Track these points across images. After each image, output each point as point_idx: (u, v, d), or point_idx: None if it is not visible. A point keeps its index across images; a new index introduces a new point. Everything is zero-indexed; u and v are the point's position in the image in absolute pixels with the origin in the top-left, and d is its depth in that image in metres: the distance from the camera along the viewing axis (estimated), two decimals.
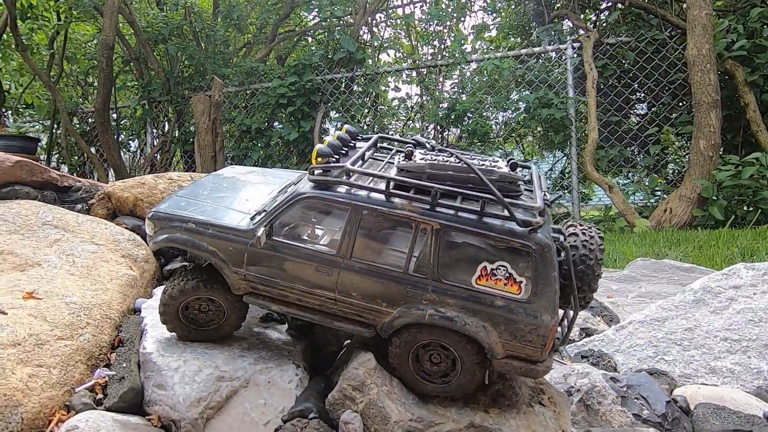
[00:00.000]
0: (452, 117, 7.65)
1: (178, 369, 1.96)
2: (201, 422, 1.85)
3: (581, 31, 7.45)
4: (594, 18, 8.43)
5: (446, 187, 1.76)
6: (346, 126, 2.36)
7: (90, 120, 10.02)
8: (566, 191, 7.60)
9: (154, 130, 9.82)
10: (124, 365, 2.04)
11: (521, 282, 1.70)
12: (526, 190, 1.97)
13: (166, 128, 9.66)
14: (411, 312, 1.78)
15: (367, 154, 2.14)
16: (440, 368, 1.86)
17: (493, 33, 9.23)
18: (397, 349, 1.87)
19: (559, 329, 1.82)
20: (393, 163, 2.00)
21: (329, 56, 8.21)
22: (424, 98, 8.67)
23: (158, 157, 9.38)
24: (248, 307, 2.11)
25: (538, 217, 1.71)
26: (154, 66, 8.99)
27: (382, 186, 1.83)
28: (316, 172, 1.91)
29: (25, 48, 8.35)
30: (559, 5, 8.02)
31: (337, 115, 8.67)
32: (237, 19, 8.92)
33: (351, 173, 1.87)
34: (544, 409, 1.81)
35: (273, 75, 8.37)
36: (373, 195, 1.84)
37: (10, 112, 10.26)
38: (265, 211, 1.98)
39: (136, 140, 10.28)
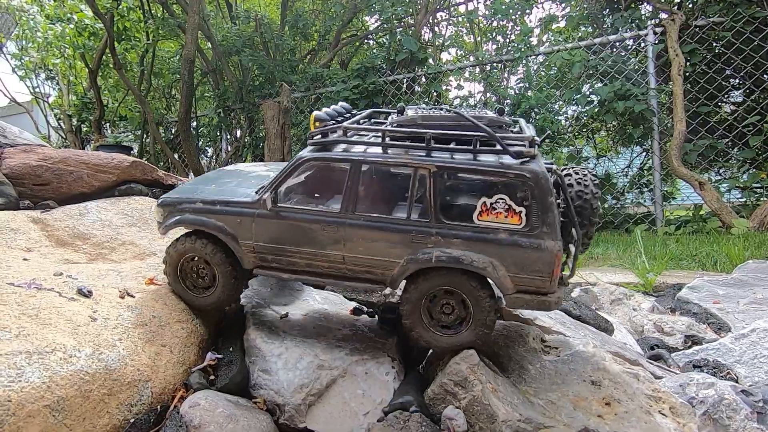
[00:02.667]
0: (517, 114, 7.37)
1: (281, 356, 2.05)
2: (304, 408, 1.92)
3: (663, 15, 6.83)
4: None
5: (439, 131, 1.84)
6: (341, 102, 2.45)
7: (173, 129, 10.98)
8: (646, 189, 7.00)
9: (228, 136, 10.52)
10: (231, 349, 2.17)
11: (521, 212, 1.75)
12: (514, 135, 2.01)
13: (239, 134, 10.30)
14: (418, 257, 1.82)
15: (363, 122, 2.22)
16: (453, 318, 1.89)
17: (562, 24, 8.77)
18: (408, 305, 1.90)
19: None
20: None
21: (391, 58, 8.28)
22: (487, 95, 8.44)
23: (232, 161, 10.03)
24: (241, 285, 2.19)
25: (529, 147, 1.78)
26: (228, 76, 9.63)
27: (379, 142, 1.91)
28: (315, 137, 2.00)
29: (121, 66, 9.34)
30: None
31: None
32: (303, 27, 9.30)
33: (348, 132, 1.97)
34: (666, 420, 1.65)
35: (337, 79, 8.61)
36: (371, 149, 1.93)
37: (108, 124, 11.54)
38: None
39: (212, 147, 11.08)
